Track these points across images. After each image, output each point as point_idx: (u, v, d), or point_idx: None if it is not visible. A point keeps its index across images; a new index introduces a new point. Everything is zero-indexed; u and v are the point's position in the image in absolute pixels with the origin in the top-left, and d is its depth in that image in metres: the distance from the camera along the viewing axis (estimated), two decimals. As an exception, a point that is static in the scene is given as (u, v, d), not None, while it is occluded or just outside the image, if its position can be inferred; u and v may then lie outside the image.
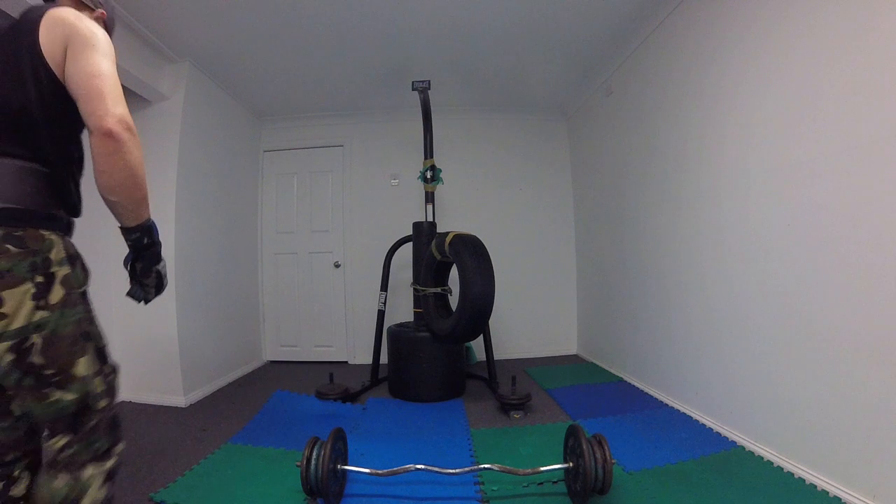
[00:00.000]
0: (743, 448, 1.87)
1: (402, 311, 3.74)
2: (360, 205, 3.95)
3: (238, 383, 3.23)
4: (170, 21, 2.46)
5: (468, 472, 1.54)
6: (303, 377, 3.35)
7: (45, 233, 0.91)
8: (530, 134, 4.08)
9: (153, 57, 2.67)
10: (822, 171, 1.53)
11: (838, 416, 1.48)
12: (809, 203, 1.58)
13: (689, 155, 2.30)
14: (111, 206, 0.94)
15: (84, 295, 1.00)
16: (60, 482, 0.91)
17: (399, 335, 2.86)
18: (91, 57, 0.90)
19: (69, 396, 0.91)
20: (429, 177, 3.08)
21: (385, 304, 3.18)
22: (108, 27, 1.16)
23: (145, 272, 1.06)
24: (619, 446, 1.86)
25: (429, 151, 3.11)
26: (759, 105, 1.82)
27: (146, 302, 1.12)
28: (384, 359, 3.03)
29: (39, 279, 0.88)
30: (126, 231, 0.99)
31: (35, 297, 0.86)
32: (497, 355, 3.35)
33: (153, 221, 1.03)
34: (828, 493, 1.47)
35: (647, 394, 2.68)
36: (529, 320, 3.98)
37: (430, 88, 2.94)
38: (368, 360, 3.35)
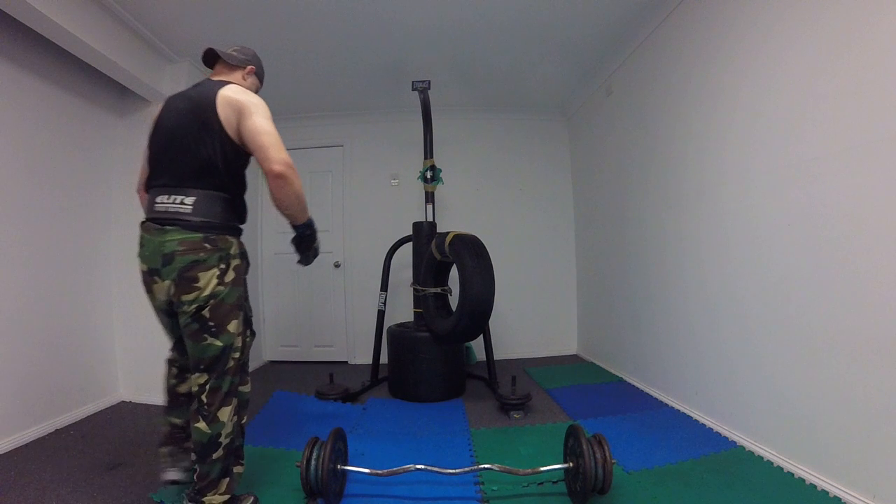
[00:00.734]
0: (743, 448, 1.87)
1: (402, 311, 3.74)
2: (360, 205, 3.95)
3: (238, 383, 3.22)
4: (170, 21, 2.46)
5: (468, 472, 1.54)
6: (303, 377, 3.35)
7: (229, 237, 1.38)
8: (530, 134, 4.08)
9: (153, 57, 2.67)
10: (822, 171, 1.53)
11: (838, 416, 1.48)
12: (810, 203, 1.58)
13: (690, 155, 2.29)
14: (284, 215, 1.40)
15: (244, 280, 1.46)
16: (202, 424, 1.31)
17: (399, 335, 2.86)
18: (255, 120, 1.32)
19: (217, 343, 1.34)
20: (429, 177, 3.08)
21: (385, 304, 3.18)
22: (259, 76, 1.63)
23: (307, 247, 1.54)
24: (619, 446, 1.86)
25: (429, 151, 3.11)
26: (759, 105, 1.81)
27: (306, 265, 1.62)
28: (384, 359, 3.03)
29: (223, 266, 1.34)
30: (294, 227, 1.46)
31: (218, 278, 1.33)
32: (497, 355, 3.34)
33: (311, 218, 1.46)
34: (828, 493, 1.47)
35: (647, 394, 2.68)
36: (529, 320, 3.98)
37: (430, 88, 2.95)
38: (368, 360, 3.35)
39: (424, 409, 2.56)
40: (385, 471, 1.55)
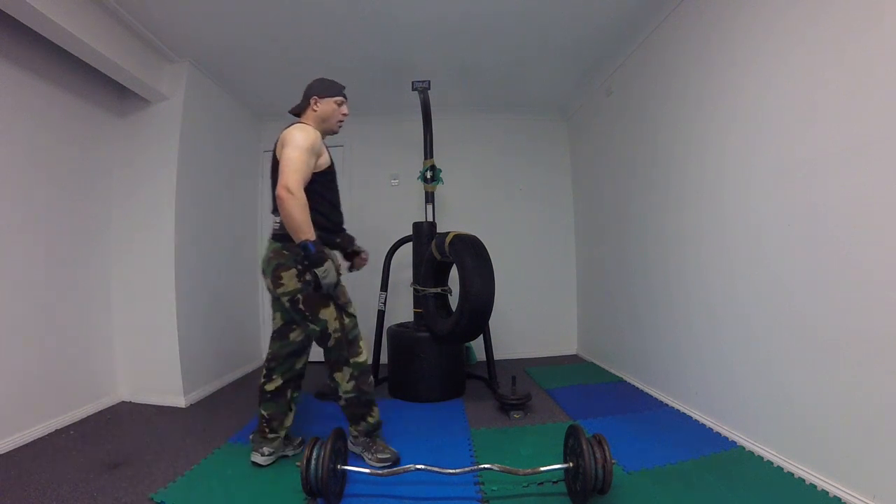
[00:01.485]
0: (743, 448, 1.87)
1: (403, 311, 3.74)
2: (360, 205, 3.94)
3: (238, 383, 3.23)
4: (170, 21, 2.46)
5: (468, 472, 1.54)
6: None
7: None
8: (530, 134, 4.08)
9: (153, 57, 2.67)
10: (822, 171, 1.53)
11: (838, 416, 1.48)
12: (810, 203, 1.58)
13: (691, 155, 2.29)
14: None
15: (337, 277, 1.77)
16: (332, 382, 1.79)
17: (399, 335, 2.86)
18: (286, 150, 1.64)
19: (316, 327, 1.73)
20: (429, 177, 3.07)
21: (385, 304, 3.18)
22: (324, 93, 1.91)
23: (309, 269, 1.66)
24: (619, 446, 1.85)
25: (429, 151, 3.11)
26: (760, 105, 1.81)
27: (314, 290, 1.70)
28: (384, 359, 3.03)
29: (300, 267, 1.68)
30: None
31: (297, 276, 1.69)
32: (497, 355, 3.34)
33: (307, 243, 1.57)
34: (828, 493, 1.47)
35: (647, 394, 2.68)
36: (529, 320, 3.98)
37: (430, 88, 2.94)
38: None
39: (424, 409, 2.56)
40: (385, 471, 1.55)
